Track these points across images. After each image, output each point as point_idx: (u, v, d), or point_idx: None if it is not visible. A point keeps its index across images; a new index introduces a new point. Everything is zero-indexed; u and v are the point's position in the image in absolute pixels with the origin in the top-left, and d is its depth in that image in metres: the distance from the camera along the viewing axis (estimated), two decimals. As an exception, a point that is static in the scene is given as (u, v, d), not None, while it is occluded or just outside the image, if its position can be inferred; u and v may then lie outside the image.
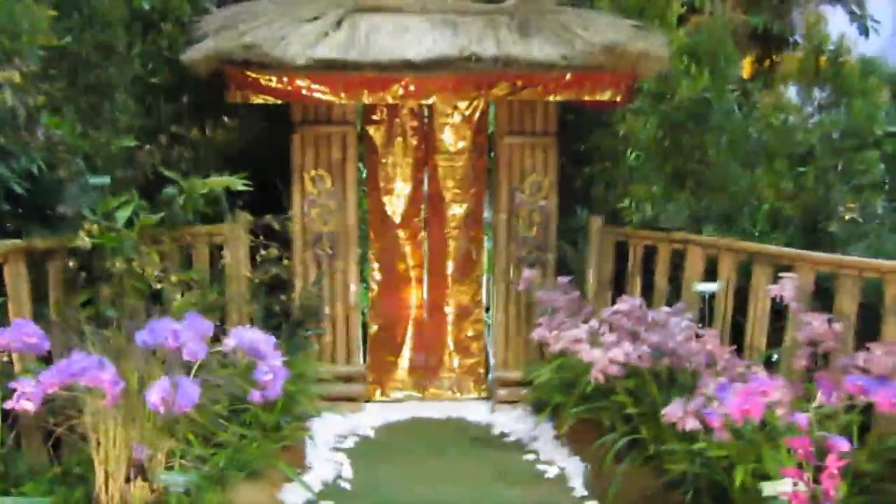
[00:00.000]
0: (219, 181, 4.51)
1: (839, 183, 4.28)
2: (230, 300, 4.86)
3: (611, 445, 4.05)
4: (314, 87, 4.91)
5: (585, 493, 4.19)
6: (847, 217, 4.24)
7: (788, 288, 3.69)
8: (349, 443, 4.89)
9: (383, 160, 5.66)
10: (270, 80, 4.90)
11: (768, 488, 2.61)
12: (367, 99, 5.05)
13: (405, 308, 5.75)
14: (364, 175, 5.81)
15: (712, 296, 4.38)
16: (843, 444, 2.56)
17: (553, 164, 5.46)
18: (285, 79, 4.88)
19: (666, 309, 4.17)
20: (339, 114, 5.33)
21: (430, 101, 5.25)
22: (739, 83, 5.65)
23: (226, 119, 5.42)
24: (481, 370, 5.76)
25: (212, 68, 4.91)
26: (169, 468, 3.37)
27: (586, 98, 5.04)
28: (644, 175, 5.02)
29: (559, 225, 5.58)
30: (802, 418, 2.84)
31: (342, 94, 4.95)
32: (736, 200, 4.66)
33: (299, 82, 4.89)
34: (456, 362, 5.76)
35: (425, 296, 5.76)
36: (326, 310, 5.38)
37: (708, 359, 3.67)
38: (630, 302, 4.17)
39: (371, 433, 5.09)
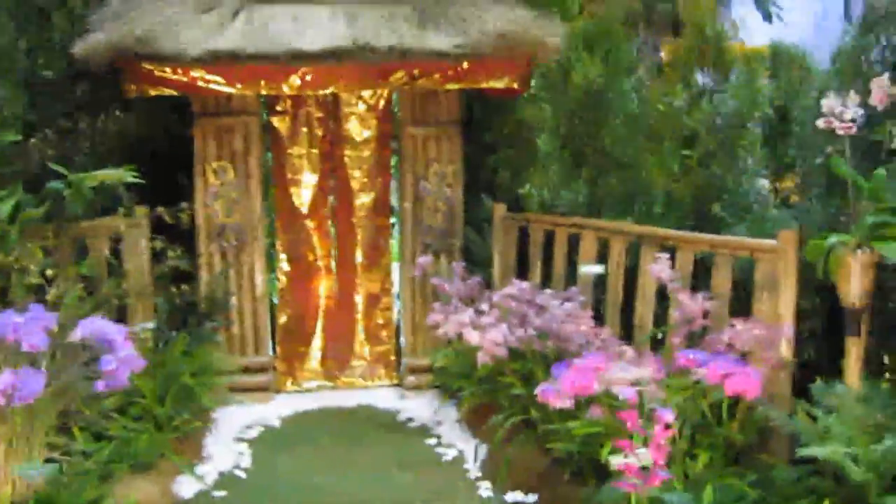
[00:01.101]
0: (108, 174, 4.47)
1: (722, 165, 4.41)
2: (131, 293, 4.83)
3: (501, 427, 4.14)
4: (210, 78, 4.89)
5: (480, 474, 4.28)
6: (726, 198, 4.37)
7: (664, 268, 3.81)
8: (253, 433, 4.91)
9: (289, 151, 5.66)
10: (165, 72, 4.86)
11: (614, 461, 2.71)
12: (264, 90, 5.04)
13: (314, 298, 5.77)
14: (271, 166, 5.80)
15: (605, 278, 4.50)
16: (668, 416, 2.67)
17: (457, 153, 5.53)
18: (180, 70, 4.85)
19: (549, 291, 4.26)
20: (240, 105, 5.32)
21: (328, 92, 5.27)
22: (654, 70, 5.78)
23: (127, 111, 5.39)
24: (392, 357, 5.82)
25: (106, 60, 4.86)
26: (49, 461, 3.38)
27: (483, 86, 5.11)
28: (542, 161, 5.10)
29: (466, 212, 5.66)
30: (630, 392, 2.94)
31: (238, 86, 4.94)
32: (632, 185, 4.77)
33: (194, 74, 4.87)
34: (367, 350, 5.81)
35: (334, 285, 5.78)
36: (233, 301, 5.38)
37: (585, 339, 3.77)
38: (518, 286, 4.26)
39: (277, 423, 5.11)
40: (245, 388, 5.37)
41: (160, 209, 4.77)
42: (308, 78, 4.97)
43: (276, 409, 5.30)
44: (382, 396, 5.59)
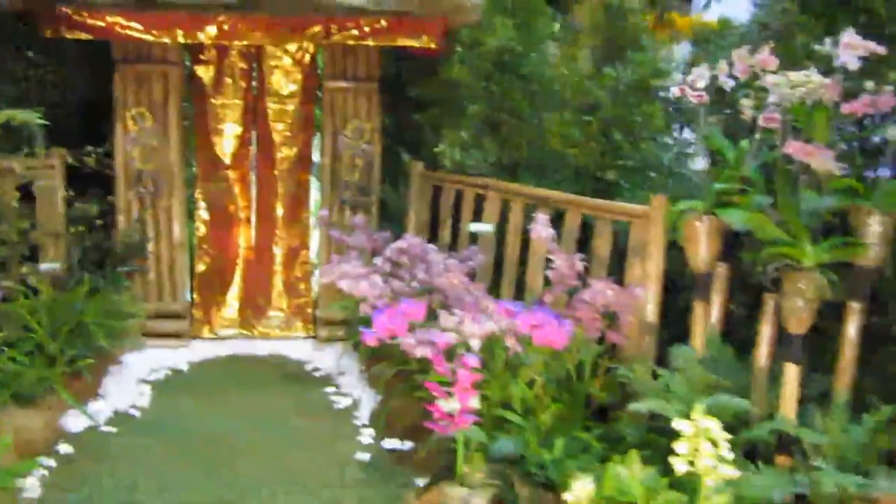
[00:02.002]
0: (14, 113, 4.50)
1: (620, 133, 4.50)
2: (41, 234, 4.91)
3: (383, 376, 4.27)
4: (127, 24, 4.93)
5: (367, 422, 4.42)
6: (621, 164, 4.47)
7: (543, 228, 3.90)
8: (158, 376, 5.02)
9: (212, 101, 5.70)
10: (82, 16, 4.90)
11: (445, 406, 2.84)
12: (181, 38, 5.08)
13: (234, 248, 5.86)
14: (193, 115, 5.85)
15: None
16: (473, 361, 2.79)
17: (376, 110, 5.59)
18: (97, 15, 4.89)
19: (432, 247, 4.36)
20: (160, 53, 5.35)
21: (246, 43, 5.32)
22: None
23: (49, 55, 5.41)
24: (310, 310, 5.93)
25: (25, 2, 4.88)
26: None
27: (399, 43, 5.17)
28: (457, 122, 5.17)
29: (388, 169, 5.74)
30: (441, 337, 3.06)
31: (155, 33, 4.98)
32: (538, 149, 4.85)
33: (111, 19, 4.90)
34: (284, 302, 5.92)
35: (254, 236, 5.87)
36: (150, 247, 5.46)
37: (458, 293, 3.88)
38: (409, 240, 4.36)
39: (186, 368, 5.22)
40: (159, 333, 5.50)
41: (70, 152, 4.81)
42: (225, 28, 5.03)
43: (187, 355, 5.42)
44: (296, 347, 5.71)
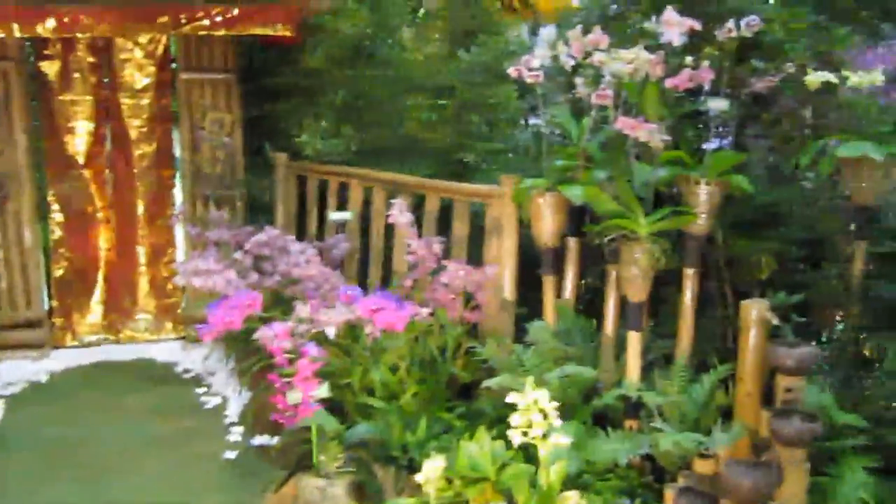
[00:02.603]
0: None
1: (475, 115, 4.56)
2: None
3: (249, 373, 4.19)
4: (-45, 19, 4.63)
5: (236, 419, 4.34)
6: (480, 146, 4.53)
7: (397, 212, 3.92)
8: (14, 389, 4.78)
9: (60, 98, 5.43)
10: None
11: (291, 397, 2.83)
12: (18, 33, 4.79)
13: (94, 250, 5.61)
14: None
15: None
16: (313, 350, 2.80)
17: (236, 101, 5.46)
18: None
19: (291, 238, 4.31)
20: (-2, 49, 5.07)
21: (90, 35, 5.10)
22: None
23: None
24: (179, 310, 5.76)
25: None
26: None
27: (254, 32, 5.05)
28: (317, 110, 5.12)
29: (252, 162, 5.62)
30: (280, 328, 3.06)
31: (-13, 27, 4.70)
32: (395, 135, 4.87)
33: (-64, 13, 4.59)
34: (152, 303, 5.72)
35: (115, 237, 5.65)
36: (0, 254, 5.18)
37: (318, 282, 3.85)
38: (269, 232, 4.29)
39: (45, 378, 4.98)
40: (16, 344, 5.23)
41: None
42: (66, 20, 4.78)
43: (48, 365, 5.18)
44: (165, 349, 5.54)
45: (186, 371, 5.16)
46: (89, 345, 5.58)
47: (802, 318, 3.30)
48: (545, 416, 2.35)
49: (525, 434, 2.35)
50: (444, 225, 4.28)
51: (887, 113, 2.97)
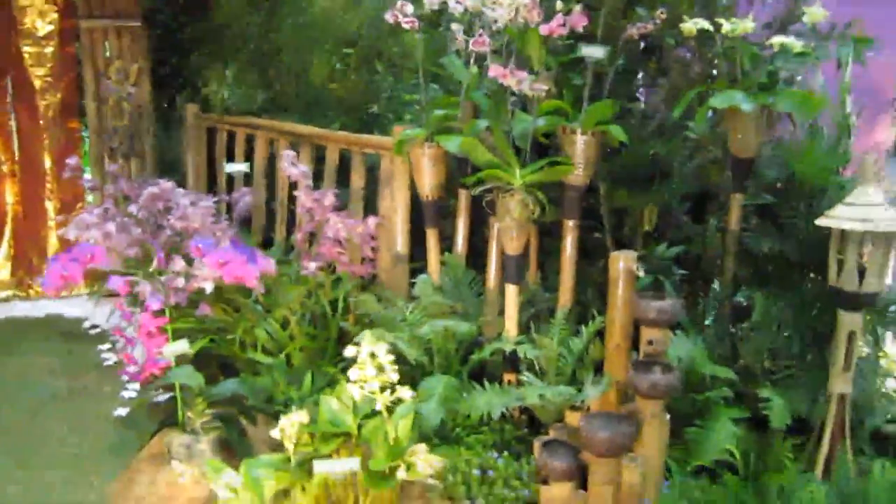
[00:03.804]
0: None
1: (380, 65, 4.45)
2: None
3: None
4: None
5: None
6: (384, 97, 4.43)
7: (287, 164, 3.82)
8: (-89, 348, 4.67)
9: (-43, 46, 5.23)
10: None
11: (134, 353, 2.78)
12: None
13: (0, 205, 5.46)
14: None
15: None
16: (156, 303, 2.74)
17: (142, 50, 5.27)
18: None
19: (181, 191, 4.17)
20: None
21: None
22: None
23: None
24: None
25: None
26: None
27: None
28: (225, 61, 4.97)
29: (165, 115, 5.47)
30: (119, 282, 2.99)
31: None
32: (301, 86, 4.74)
33: None
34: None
35: (22, 191, 5.48)
36: None
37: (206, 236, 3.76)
38: (162, 185, 4.17)
39: (-52, 333, 4.88)
40: (-83, 300, 5.10)
41: None
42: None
43: (-47, 321, 5.06)
44: (77, 305, 5.42)
45: (94, 327, 5.06)
46: (5, 300, 5.46)
47: (683, 272, 3.29)
48: (381, 370, 2.31)
49: (362, 388, 2.31)
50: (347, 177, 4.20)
51: (761, 62, 2.92)
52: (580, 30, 2.99)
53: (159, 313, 2.81)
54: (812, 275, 3.03)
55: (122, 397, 4.04)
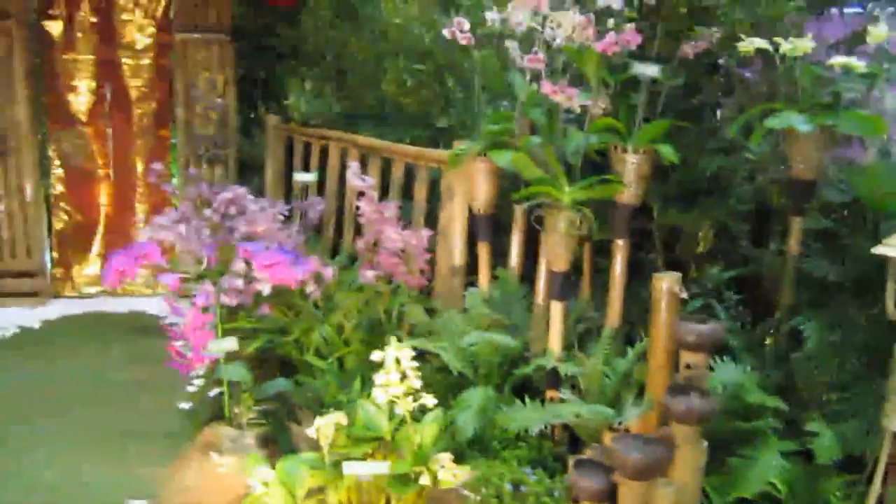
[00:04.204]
0: None
1: (451, 79, 4.51)
2: None
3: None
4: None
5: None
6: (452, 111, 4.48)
7: (351, 175, 3.92)
8: (5, 333, 5.01)
9: (64, 56, 5.60)
10: None
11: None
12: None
13: (94, 205, 5.81)
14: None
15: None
16: (201, 300, 2.87)
17: (229, 62, 5.54)
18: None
19: (251, 197, 4.33)
20: (2, 8, 5.24)
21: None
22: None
23: None
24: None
25: None
26: None
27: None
28: (304, 73, 5.15)
29: (247, 123, 5.71)
30: (170, 279, 3.11)
31: (-13, -15, 4.88)
32: (374, 98, 4.86)
33: (-63, -29, 4.78)
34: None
35: (115, 194, 5.83)
36: (2, 207, 5.41)
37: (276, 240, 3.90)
38: (235, 191, 4.35)
39: (37, 325, 5.21)
40: (16, 292, 5.47)
41: None
42: (65, -21, 4.92)
43: (44, 314, 5.40)
44: (159, 304, 5.70)
45: (173, 325, 5.30)
46: (87, 296, 5.80)
47: (738, 295, 3.20)
48: (404, 377, 2.35)
49: (386, 392, 2.36)
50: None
51: (823, 84, 2.82)
52: (635, 48, 2.97)
53: (205, 310, 2.95)
54: (872, 304, 2.88)
55: (187, 391, 4.23)
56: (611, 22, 2.93)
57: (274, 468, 2.69)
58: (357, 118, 5.03)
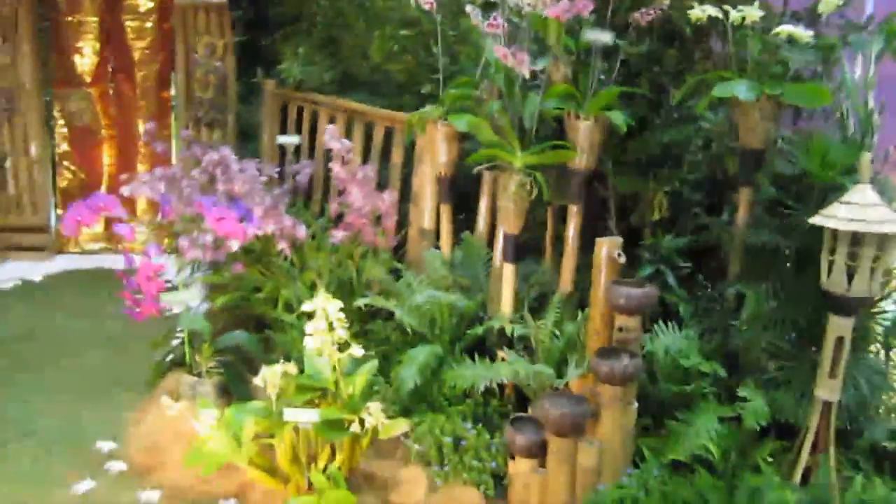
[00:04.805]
0: None
1: (435, 46, 4.54)
2: None
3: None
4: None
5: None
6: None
7: (328, 137, 4.00)
8: (5, 286, 5.22)
9: (68, 18, 5.75)
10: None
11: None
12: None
13: (97, 164, 5.98)
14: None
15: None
16: (153, 251, 3.00)
17: (228, 27, 5.62)
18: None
19: (234, 158, 4.43)
20: (7, -31, 5.40)
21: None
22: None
23: None
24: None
25: None
26: None
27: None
28: (298, 39, 5.23)
29: (245, 88, 5.80)
30: (125, 229, 3.25)
31: (-9, -53, 5.02)
32: (370, 65, 4.93)
33: (-56, -68, 4.93)
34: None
35: (117, 153, 5.99)
36: (8, 163, 5.60)
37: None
38: (222, 152, 4.45)
39: (39, 279, 5.41)
40: (22, 247, 5.68)
41: None
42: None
43: (47, 268, 5.60)
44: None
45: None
46: (90, 252, 6.00)
47: (687, 264, 3.23)
48: (331, 327, 2.44)
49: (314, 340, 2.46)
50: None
51: (772, 53, 2.82)
52: (597, 15, 3.00)
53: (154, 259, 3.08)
54: (813, 275, 2.90)
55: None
56: (562, -12, 2.96)
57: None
58: (347, 85, 5.10)
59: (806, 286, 2.86)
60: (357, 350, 2.52)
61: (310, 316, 2.52)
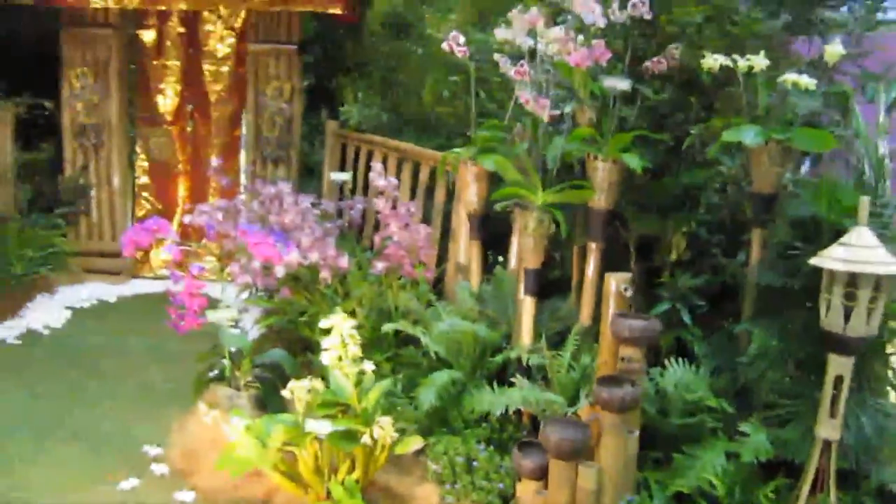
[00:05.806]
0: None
1: (483, 92, 4.79)
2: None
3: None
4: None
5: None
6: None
7: (374, 175, 4.27)
8: (84, 304, 5.66)
9: (154, 62, 6.27)
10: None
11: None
12: (131, 4, 5.66)
13: (172, 196, 6.45)
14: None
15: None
16: (195, 270, 3.27)
17: (296, 71, 6.03)
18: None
19: (289, 191, 4.73)
20: (103, 18, 5.95)
21: (184, 8, 5.86)
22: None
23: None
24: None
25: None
26: None
27: (310, 8, 5.61)
28: (359, 83, 5.59)
29: (311, 128, 6.20)
30: (174, 250, 3.53)
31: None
32: (416, 107, 5.23)
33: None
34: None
35: (191, 186, 6.44)
36: (92, 193, 6.11)
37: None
38: (280, 186, 4.79)
39: (113, 300, 5.84)
40: (101, 270, 6.16)
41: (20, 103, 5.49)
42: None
43: (121, 290, 6.04)
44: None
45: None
46: (161, 277, 6.42)
47: (702, 302, 3.32)
48: (344, 345, 2.66)
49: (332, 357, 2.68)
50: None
51: (778, 99, 2.94)
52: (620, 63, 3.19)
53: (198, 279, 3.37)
54: (815, 314, 2.97)
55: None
56: (581, 38, 3.16)
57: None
58: (402, 126, 5.40)
59: (811, 325, 2.92)
60: (368, 365, 2.73)
61: (327, 332, 2.75)
